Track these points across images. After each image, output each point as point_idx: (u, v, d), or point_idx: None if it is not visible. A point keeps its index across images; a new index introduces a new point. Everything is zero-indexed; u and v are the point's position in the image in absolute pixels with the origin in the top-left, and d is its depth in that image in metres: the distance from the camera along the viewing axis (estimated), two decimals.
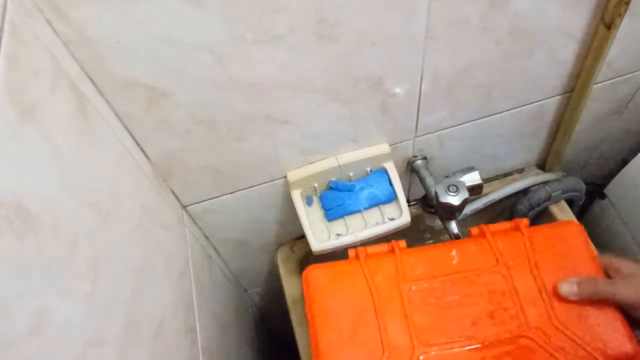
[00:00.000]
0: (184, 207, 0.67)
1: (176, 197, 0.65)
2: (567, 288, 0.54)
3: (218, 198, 0.68)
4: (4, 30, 0.34)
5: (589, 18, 0.60)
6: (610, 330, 0.52)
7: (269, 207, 0.74)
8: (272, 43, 0.48)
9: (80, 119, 0.43)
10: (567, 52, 0.65)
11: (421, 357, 0.51)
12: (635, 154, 0.85)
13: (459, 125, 0.71)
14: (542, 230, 0.59)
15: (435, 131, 0.71)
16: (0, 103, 0.32)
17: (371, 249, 0.60)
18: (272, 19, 0.46)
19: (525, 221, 0.59)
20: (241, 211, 0.73)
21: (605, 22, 0.59)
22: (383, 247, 0.60)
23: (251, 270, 0.91)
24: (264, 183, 0.69)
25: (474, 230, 0.61)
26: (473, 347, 0.52)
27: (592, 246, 0.57)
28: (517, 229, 0.59)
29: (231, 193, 0.68)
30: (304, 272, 0.59)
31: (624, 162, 0.88)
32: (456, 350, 0.52)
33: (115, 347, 0.41)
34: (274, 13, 0.46)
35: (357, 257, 0.59)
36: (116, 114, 0.50)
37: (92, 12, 0.41)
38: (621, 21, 0.58)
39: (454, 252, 0.58)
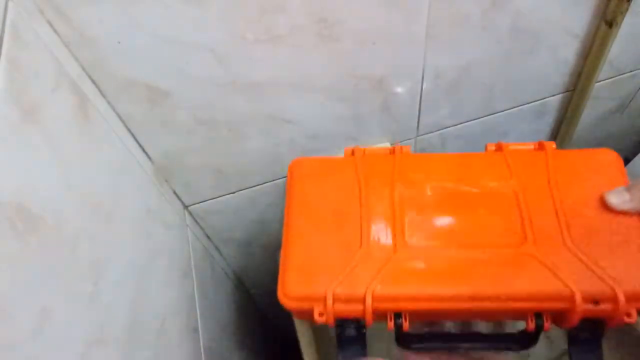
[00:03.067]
0: (186, 207, 0.67)
1: (178, 197, 0.65)
2: (617, 197, 0.46)
3: (220, 198, 0.68)
4: (5, 32, 0.34)
5: (591, 16, 0.60)
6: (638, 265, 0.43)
7: (271, 206, 0.74)
8: (273, 43, 0.48)
9: (82, 120, 0.43)
10: (569, 51, 0.64)
11: (401, 260, 0.45)
12: (637, 152, 0.85)
13: (460, 124, 0.71)
14: (570, 153, 0.51)
15: (437, 130, 0.71)
16: (1, 104, 0.32)
17: (370, 150, 0.54)
18: (273, 18, 0.46)
19: (551, 143, 0.52)
20: (243, 211, 0.73)
21: (606, 20, 0.59)
22: (384, 150, 0.54)
23: (253, 270, 0.91)
24: (266, 182, 0.69)
25: (490, 146, 0.53)
26: (465, 255, 0.45)
27: (628, 178, 0.49)
28: (541, 149, 0.52)
29: (233, 193, 0.68)
30: (291, 164, 0.53)
31: (627, 161, 0.88)
32: (445, 257, 0.45)
33: (117, 347, 0.41)
34: (275, 13, 0.46)
35: (352, 154, 0.53)
36: (118, 115, 0.50)
37: (93, 12, 0.41)
38: (623, 19, 0.58)
39: (461, 162, 0.52)
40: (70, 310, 0.35)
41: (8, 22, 0.35)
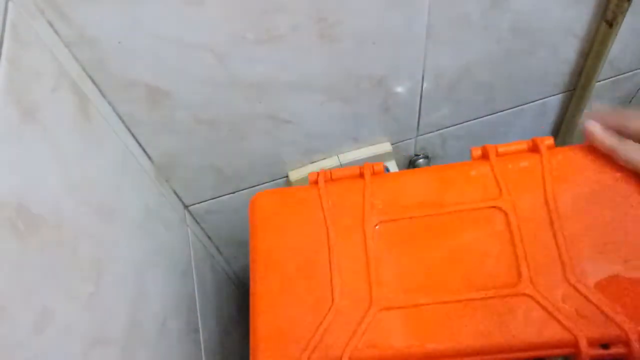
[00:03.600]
0: (186, 207, 0.67)
1: (178, 197, 0.65)
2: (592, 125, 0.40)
3: (220, 198, 0.68)
4: (5, 32, 0.34)
5: (591, 15, 0.60)
6: None
7: None
8: (273, 43, 0.48)
9: (82, 120, 0.43)
10: (569, 50, 0.64)
11: (378, 314, 0.40)
12: None
13: (460, 123, 0.71)
14: (569, 153, 0.43)
15: (437, 130, 0.71)
16: (1, 104, 0.32)
17: (338, 172, 0.47)
18: (273, 18, 0.46)
19: (547, 140, 0.44)
20: (243, 211, 0.72)
21: (607, 20, 0.59)
22: (353, 171, 0.47)
23: None
24: (266, 182, 0.69)
25: (475, 151, 0.46)
26: (450, 303, 0.39)
27: None
28: (535, 150, 0.44)
29: (233, 193, 0.68)
30: (251, 200, 0.48)
31: None
32: (427, 305, 0.40)
33: (118, 347, 0.41)
34: (275, 13, 0.46)
35: (316, 182, 0.47)
36: (118, 115, 0.50)
37: (93, 13, 0.41)
38: (623, 19, 0.58)
39: (442, 180, 0.45)
40: (70, 310, 0.35)
41: (8, 22, 0.35)
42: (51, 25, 0.41)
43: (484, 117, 0.71)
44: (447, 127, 0.71)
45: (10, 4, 0.36)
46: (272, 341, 0.41)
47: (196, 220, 0.71)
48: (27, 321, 0.31)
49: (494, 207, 0.43)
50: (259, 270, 0.44)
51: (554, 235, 0.40)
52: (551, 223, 0.41)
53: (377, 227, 0.44)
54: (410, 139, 0.70)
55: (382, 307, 0.40)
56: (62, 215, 0.37)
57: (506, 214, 0.42)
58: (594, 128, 0.41)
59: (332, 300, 0.41)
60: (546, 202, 0.42)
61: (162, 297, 0.53)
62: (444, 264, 0.42)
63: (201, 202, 0.68)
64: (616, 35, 0.60)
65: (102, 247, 0.42)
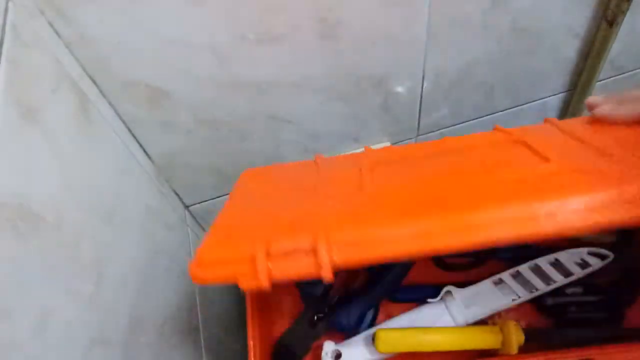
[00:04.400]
0: (187, 207, 0.67)
1: (178, 197, 0.65)
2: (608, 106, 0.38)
3: (220, 198, 0.68)
4: (5, 32, 0.34)
5: (592, 15, 0.60)
6: None
7: None
8: (274, 43, 0.48)
9: (83, 120, 0.43)
10: (570, 50, 0.64)
11: (374, 195, 0.32)
12: None
13: (461, 123, 0.71)
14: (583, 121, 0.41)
15: (438, 129, 0.71)
16: (2, 104, 0.32)
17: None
18: (274, 18, 0.46)
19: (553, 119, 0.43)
20: None
21: (607, 20, 0.59)
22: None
23: None
24: None
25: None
26: (465, 181, 0.33)
27: None
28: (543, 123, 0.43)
29: None
30: (239, 179, 0.44)
31: None
32: (439, 181, 0.34)
33: (118, 347, 0.41)
34: (276, 13, 0.46)
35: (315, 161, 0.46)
36: (118, 115, 0.50)
37: (94, 13, 0.41)
38: (623, 18, 0.58)
39: (447, 140, 0.43)
40: (71, 310, 0.35)
41: (8, 22, 0.35)
42: (51, 25, 0.41)
43: (484, 117, 0.71)
44: (447, 127, 0.71)
45: (10, 4, 0.36)
46: (230, 230, 0.32)
47: (196, 220, 0.71)
48: (27, 321, 0.31)
49: (510, 140, 0.38)
50: (235, 198, 0.38)
51: (580, 140, 0.36)
52: (573, 138, 0.36)
53: (375, 161, 0.40)
54: (411, 139, 0.70)
55: (380, 191, 0.33)
56: (62, 215, 0.37)
57: (526, 142, 0.37)
58: (595, 100, 0.40)
59: (316, 189, 0.34)
60: (563, 133, 0.38)
61: (162, 297, 0.53)
62: (458, 164, 0.36)
63: (201, 202, 0.68)
64: (616, 35, 0.60)
65: (102, 247, 0.42)
